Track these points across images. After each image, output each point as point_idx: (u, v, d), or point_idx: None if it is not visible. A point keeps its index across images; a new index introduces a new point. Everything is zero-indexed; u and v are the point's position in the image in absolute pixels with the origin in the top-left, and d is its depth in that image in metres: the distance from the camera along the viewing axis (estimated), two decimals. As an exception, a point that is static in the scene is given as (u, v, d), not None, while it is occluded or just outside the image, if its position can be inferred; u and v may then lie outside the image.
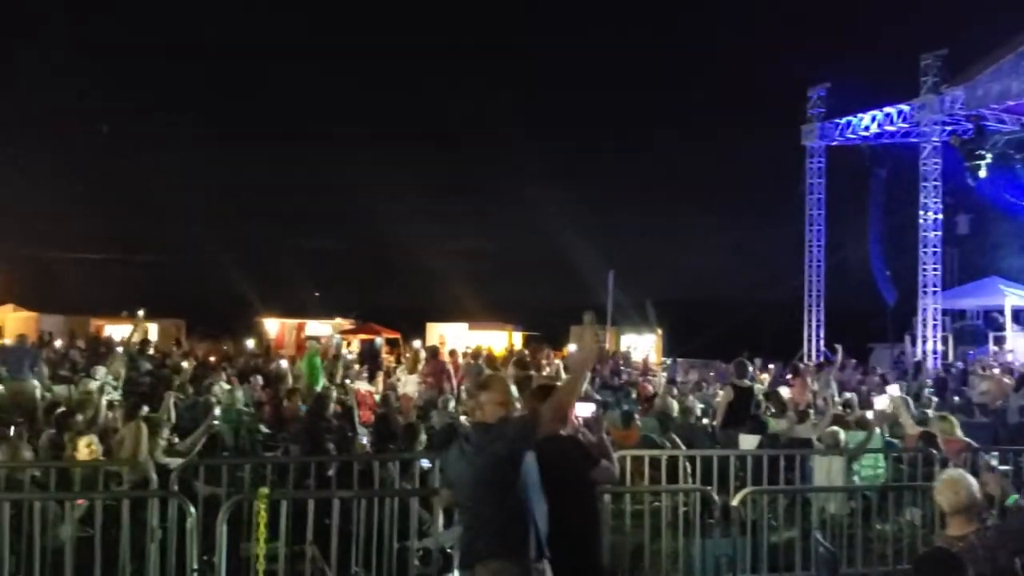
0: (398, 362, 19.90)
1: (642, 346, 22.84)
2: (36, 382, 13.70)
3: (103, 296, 31.80)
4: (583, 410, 5.32)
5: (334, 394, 12.21)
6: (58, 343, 21.47)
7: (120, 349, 18.35)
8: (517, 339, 27.05)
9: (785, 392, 12.07)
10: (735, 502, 6.81)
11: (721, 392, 11.73)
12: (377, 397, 14.04)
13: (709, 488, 7.30)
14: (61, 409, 9.56)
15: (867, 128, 24.75)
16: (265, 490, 5.91)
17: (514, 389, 4.83)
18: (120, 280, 39.22)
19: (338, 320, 28.24)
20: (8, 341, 18.09)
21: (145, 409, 9.90)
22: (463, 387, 14.41)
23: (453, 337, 23.44)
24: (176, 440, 9.16)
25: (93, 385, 12.32)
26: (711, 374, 18.22)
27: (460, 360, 16.46)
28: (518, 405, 4.75)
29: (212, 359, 18.78)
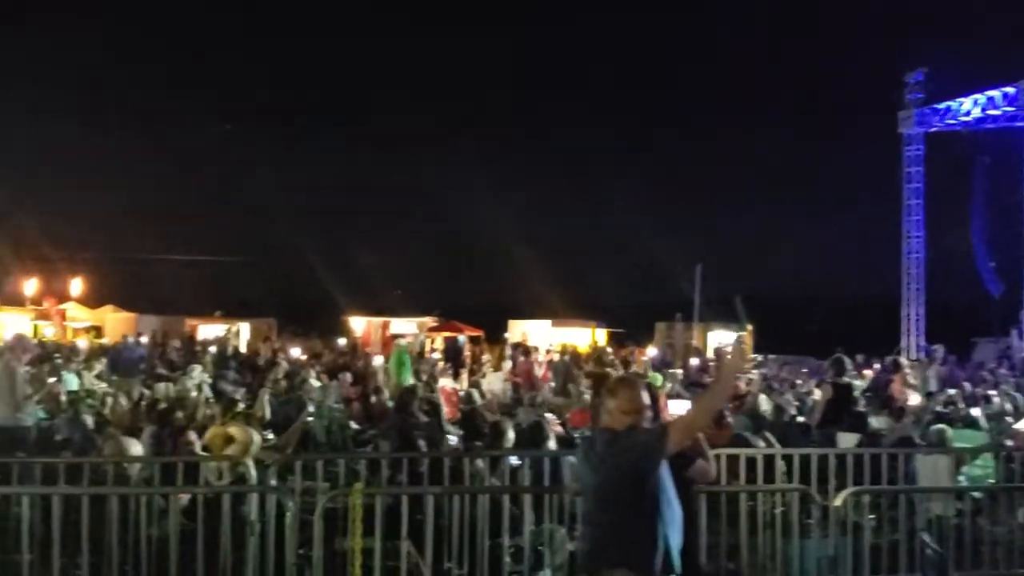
0: (475, 360, 19.95)
1: (731, 343, 22.39)
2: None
3: (197, 297, 32.84)
4: (677, 408, 5.20)
5: (420, 391, 12.32)
6: (143, 340, 22.14)
7: (214, 348, 18.98)
8: (601, 336, 26.88)
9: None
10: (837, 502, 6.58)
11: (817, 390, 11.40)
12: (462, 394, 14.12)
13: (808, 488, 7.07)
14: (162, 406, 9.84)
15: (968, 113, 23.80)
16: (360, 486, 5.97)
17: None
18: (213, 281, 40.42)
19: (422, 318, 28.55)
20: (105, 340, 18.94)
21: (241, 406, 10.27)
22: (548, 385, 14.39)
23: (536, 334, 23.42)
24: (271, 436, 9.39)
25: (191, 383, 12.71)
26: (804, 371, 17.75)
27: (544, 358, 16.41)
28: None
29: (302, 357, 19.17)
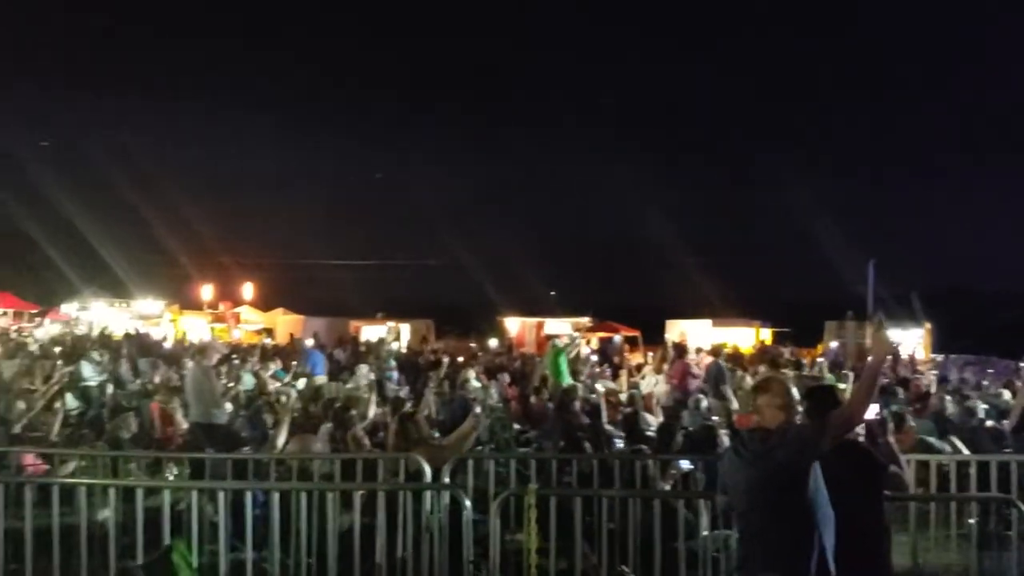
0: (619, 360, 19.66)
1: (908, 342, 21.09)
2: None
3: (361, 299, 34.05)
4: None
5: (580, 392, 12.27)
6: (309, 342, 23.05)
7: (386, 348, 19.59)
8: (766, 336, 25.90)
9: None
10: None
11: (1006, 391, 10.59)
12: (622, 396, 13.98)
13: (1010, 496, 6.55)
14: (338, 404, 10.21)
15: None
16: (535, 486, 5.96)
17: (795, 391, 4.53)
18: (375, 284, 41.86)
19: (576, 318, 28.49)
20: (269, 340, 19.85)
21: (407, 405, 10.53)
22: (707, 387, 14.02)
23: (696, 334, 22.90)
24: (436, 435, 9.56)
25: (363, 382, 13.14)
26: (989, 371, 16.53)
27: (697, 359, 16.00)
28: (799, 409, 4.45)
29: (461, 357, 19.52)
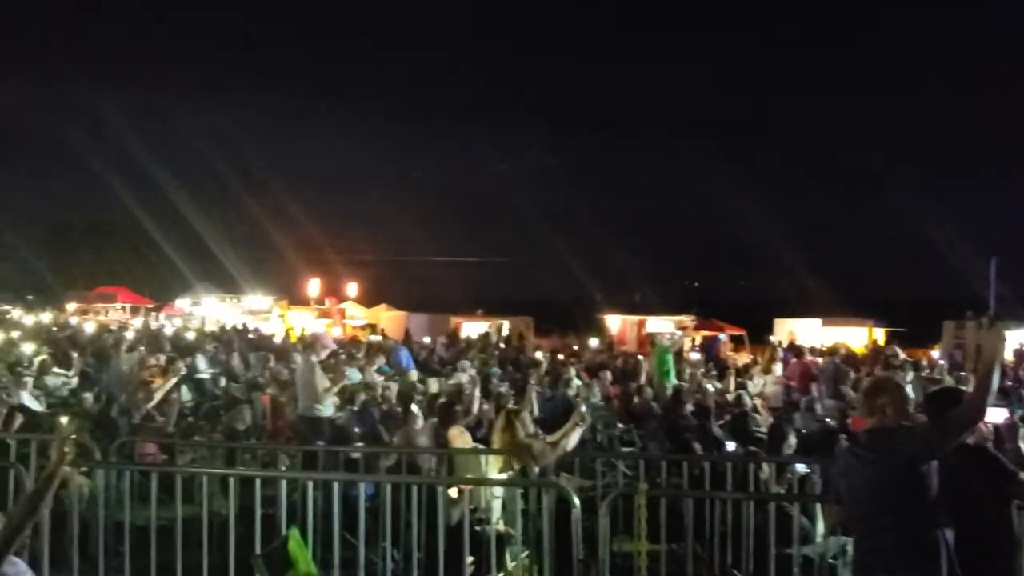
0: (724, 360, 19.15)
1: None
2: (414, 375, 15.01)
3: (461, 296, 34.38)
4: (994, 416, 4.64)
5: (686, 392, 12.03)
6: (427, 339, 23.34)
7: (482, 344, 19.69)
8: (879, 336, 24.87)
9: None
10: None
11: None
12: (729, 396, 13.65)
13: None
14: (442, 400, 10.27)
15: None
16: (645, 486, 5.83)
17: (909, 391, 4.36)
18: (476, 280, 42.21)
19: (679, 316, 28.00)
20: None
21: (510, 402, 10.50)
22: (822, 388, 13.56)
23: (805, 334, 22.21)
24: (539, 432, 9.50)
25: (464, 378, 13.20)
26: None
27: (819, 359, 15.48)
28: (915, 410, 4.29)
29: (561, 355, 19.43)
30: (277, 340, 20.69)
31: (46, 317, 31.35)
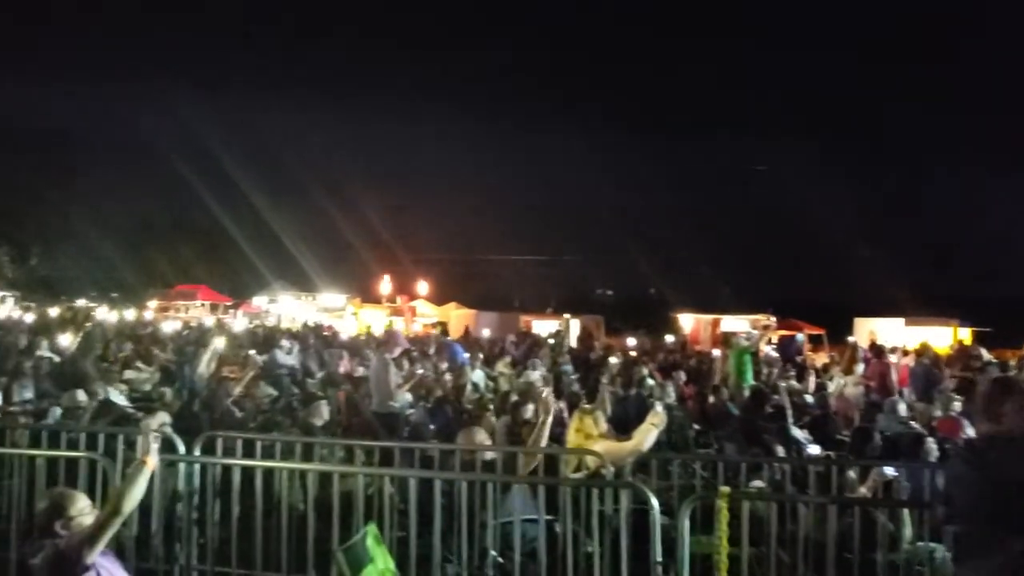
0: (802, 360, 18.67)
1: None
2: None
3: (530, 294, 34.38)
4: None
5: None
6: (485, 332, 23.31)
7: (552, 342, 19.62)
8: (965, 336, 23.97)
9: None
10: None
11: None
12: (808, 398, 13.31)
13: None
14: (514, 399, 10.24)
15: None
16: (727, 489, 5.69)
17: None
18: (546, 279, 42.11)
19: (755, 315, 27.45)
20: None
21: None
22: (904, 390, 13.14)
23: (886, 333, 21.56)
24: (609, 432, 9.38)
25: (535, 376, 13.15)
26: None
27: (900, 360, 15.01)
28: None
29: (633, 354, 19.24)
30: (344, 337, 20.92)
31: (129, 314, 32.35)
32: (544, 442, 7.02)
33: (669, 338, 23.20)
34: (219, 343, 14.40)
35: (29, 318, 24.79)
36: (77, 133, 60.70)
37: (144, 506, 5.89)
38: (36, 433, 7.38)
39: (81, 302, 35.64)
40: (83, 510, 4.06)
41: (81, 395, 9.37)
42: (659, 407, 9.63)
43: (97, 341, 15.04)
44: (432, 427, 9.85)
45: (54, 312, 28.49)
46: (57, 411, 9.28)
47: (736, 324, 25.85)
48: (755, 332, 19.18)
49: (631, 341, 18.67)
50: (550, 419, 7.05)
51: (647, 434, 8.11)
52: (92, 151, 62.07)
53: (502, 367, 15.58)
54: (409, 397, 11.25)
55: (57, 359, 14.51)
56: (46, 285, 46.84)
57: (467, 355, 16.65)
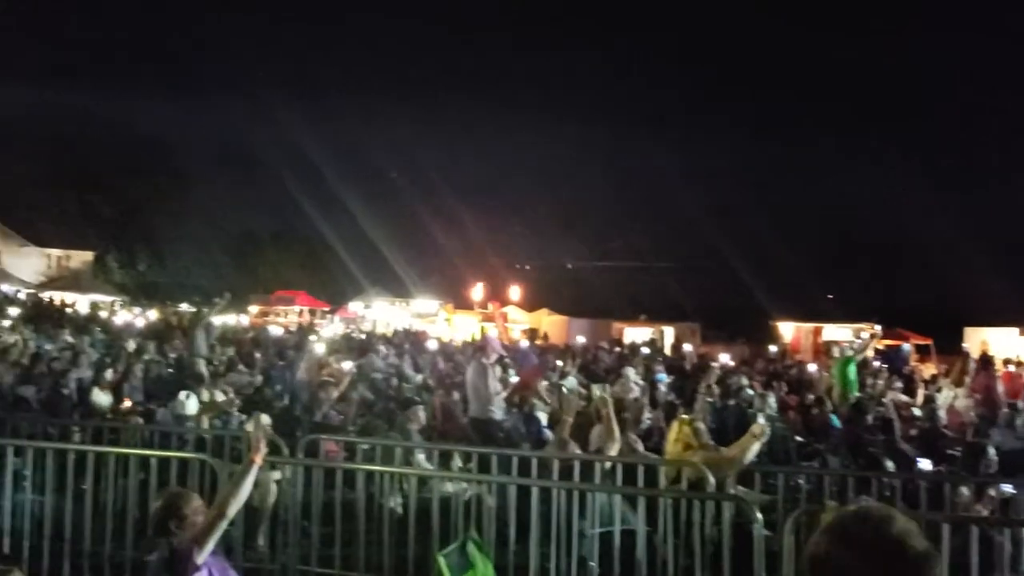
0: (909, 371, 17.89)
1: None
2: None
3: (623, 301, 34.02)
4: None
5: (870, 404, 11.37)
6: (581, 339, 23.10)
7: (646, 350, 19.39)
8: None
9: None
10: None
11: None
12: (916, 410, 12.79)
13: None
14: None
15: None
16: (834, 504, 5.50)
17: None
18: (639, 287, 41.70)
19: (858, 324, 26.53)
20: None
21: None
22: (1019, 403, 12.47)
23: (1000, 343, 20.54)
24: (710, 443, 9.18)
25: (631, 385, 13.00)
26: None
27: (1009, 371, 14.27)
28: None
29: (732, 363, 18.83)
30: (432, 344, 21.08)
31: (232, 319, 33.42)
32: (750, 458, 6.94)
33: (769, 347, 22.59)
34: (318, 348, 14.78)
35: (139, 322, 25.80)
36: (185, 145, 63.17)
37: (248, 507, 6.05)
38: (147, 434, 7.65)
39: (184, 307, 36.92)
40: (196, 509, 4.17)
41: (189, 397, 9.69)
42: (761, 418, 9.41)
43: (204, 345, 15.53)
44: (526, 434, 9.82)
45: (158, 316, 29.58)
46: (165, 412, 9.61)
47: (839, 333, 25.06)
48: (859, 341, 18.52)
49: (724, 357, 18.26)
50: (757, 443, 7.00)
51: (749, 446, 7.92)
52: (199, 162, 64.52)
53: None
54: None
55: (165, 362, 15.09)
56: (153, 290, 48.77)
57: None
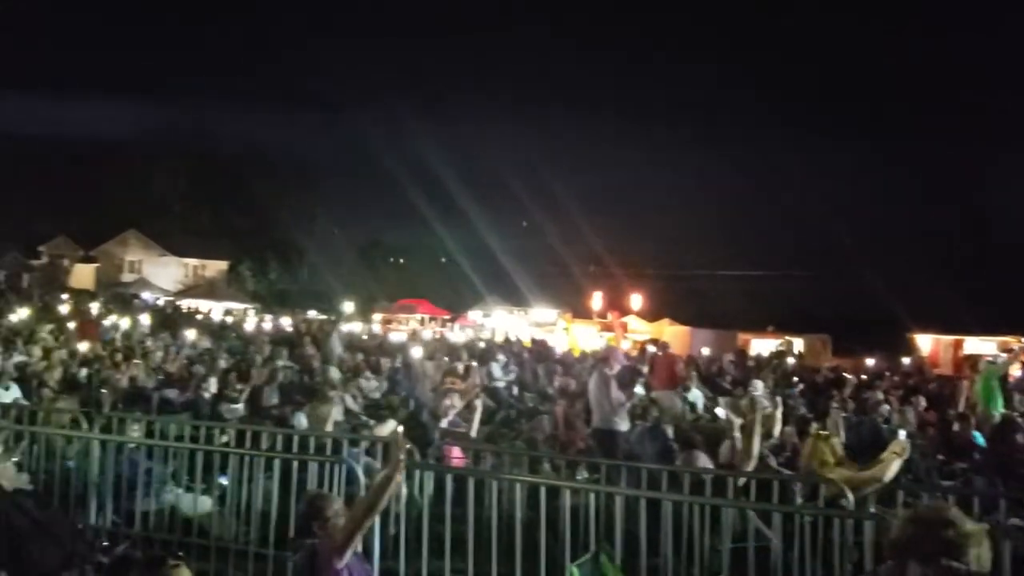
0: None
1: None
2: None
3: (750, 312, 33.13)
4: None
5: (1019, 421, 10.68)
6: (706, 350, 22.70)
7: (776, 363, 18.84)
8: None
9: None
10: None
11: None
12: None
13: None
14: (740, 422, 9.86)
15: None
16: (984, 526, 5.15)
17: None
18: (765, 296, 40.59)
19: (1004, 337, 25.01)
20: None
21: (815, 425, 9.87)
22: None
23: None
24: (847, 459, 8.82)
25: (760, 398, 12.65)
26: None
27: None
28: None
29: (864, 376, 18.12)
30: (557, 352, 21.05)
31: (358, 327, 34.34)
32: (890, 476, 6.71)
33: (905, 360, 21.59)
34: (437, 358, 15.03)
35: (265, 327, 26.81)
36: (314, 157, 65.64)
37: (384, 512, 6.17)
38: (285, 437, 7.91)
39: (312, 314, 38.16)
40: (338, 512, 4.28)
41: (326, 403, 9.96)
42: (901, 435, 9.00)
43: (336, 352, 16.01)
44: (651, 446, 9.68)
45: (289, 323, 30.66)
46: (301, 416, 9.92)
47: (982, 346, 23.76)
48: (1004, 355, 17.49)
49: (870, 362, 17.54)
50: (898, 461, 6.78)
51: (890, 463, 7.58)
52: (327, 174, 66.88)
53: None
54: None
55: (297, 367, 15.62)
56: (284, 298, 50.67)
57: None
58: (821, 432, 8.16)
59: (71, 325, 20.37)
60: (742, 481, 6.74)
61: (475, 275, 47.04)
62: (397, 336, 27.09)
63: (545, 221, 52.82)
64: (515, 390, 16.12)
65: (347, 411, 11.12)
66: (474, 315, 41.19)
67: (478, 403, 11.71)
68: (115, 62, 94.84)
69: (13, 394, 10.88)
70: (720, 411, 12.69)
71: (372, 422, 10.73)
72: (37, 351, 14.28)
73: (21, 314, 22.38)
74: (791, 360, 21.33)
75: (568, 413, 11.90)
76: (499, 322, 37.70)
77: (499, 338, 28.78)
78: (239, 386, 12.36)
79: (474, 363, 16.94)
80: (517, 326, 36.03)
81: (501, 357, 19.45)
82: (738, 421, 7.39)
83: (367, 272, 55.35)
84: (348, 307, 40.04)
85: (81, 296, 38.15)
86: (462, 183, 54.14)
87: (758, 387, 14.41)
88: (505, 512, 6.38)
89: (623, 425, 10.20)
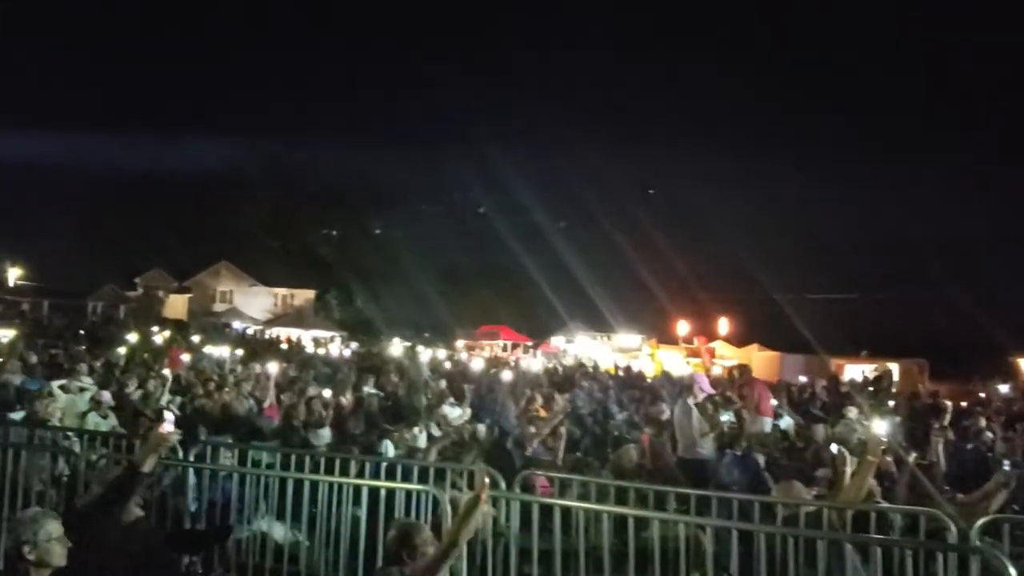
0: None
1: None
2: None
3: (841, 336, 32.16)
4: None
5: None
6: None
7: (871, 388, 18.23)
8: None
9: None
10: None
11: None
12: None
13: None
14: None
15: None
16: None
17: None
18: (856, 320, 39.40)
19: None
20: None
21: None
22: None
23: None
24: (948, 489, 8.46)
25: (855, 426, 12.27)
26: None
27: None
28: None
29: (964, 403, 17.39)
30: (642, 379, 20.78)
31: (441, 353, 34.60)
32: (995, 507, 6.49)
33: (1003, 388, 20.61)
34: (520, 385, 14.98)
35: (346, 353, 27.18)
36: (395, 188, 66.80)
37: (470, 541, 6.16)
38: (373, 465, 7.99)
39: (395, 340, 38.69)
40: (427, 540, 4.30)
41: (421, 432, 10.05)
42: (1007, 464, 8.58)
43: (423, 377, 16.13)
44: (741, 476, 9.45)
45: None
46: (388, 444, 10.02)
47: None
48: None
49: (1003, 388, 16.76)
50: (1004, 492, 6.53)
51: (995, 495, 7.27)
52: (408, 204, 67.93)
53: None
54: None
55: (382, 394, 15.78)
56: (369, 326, 51.45)
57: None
58: (921, 462, 7.87)
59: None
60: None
61: (557, 301, 46.95)
62: (477, 363, 27.19)
63: (629, 245, 52.46)
64: (599, 416, 15.96)
65: (430, 438, 11.17)
66: (556, 341, 41.03)
67: (563, 430, 11.66)
68: (205, 100, 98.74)
69: (111, 422, 11.24)
70: (834, 447, 12.22)
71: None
72: (134, 381, 14.75)
73: (125, 344, 23.15)
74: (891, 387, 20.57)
75: (655, 442, 11.73)
76: (582, 348, 37.47)
77: (581, 363, 28.60)
78: (325, 413, 12.53)
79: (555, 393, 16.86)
80: (601, 352, 35.76)
81: (584, 384, 19.32)
82: (851, 458, 7.06)
83: (448, 298, 55.87)
84: (430, 334, 40.43)
85: (175, 326, 39.47)
86: (542, 210, 54.37)
87: (852, 414, 13.96)
88: (592, 543, 6.31)
89: (707, 453, 10.01)
